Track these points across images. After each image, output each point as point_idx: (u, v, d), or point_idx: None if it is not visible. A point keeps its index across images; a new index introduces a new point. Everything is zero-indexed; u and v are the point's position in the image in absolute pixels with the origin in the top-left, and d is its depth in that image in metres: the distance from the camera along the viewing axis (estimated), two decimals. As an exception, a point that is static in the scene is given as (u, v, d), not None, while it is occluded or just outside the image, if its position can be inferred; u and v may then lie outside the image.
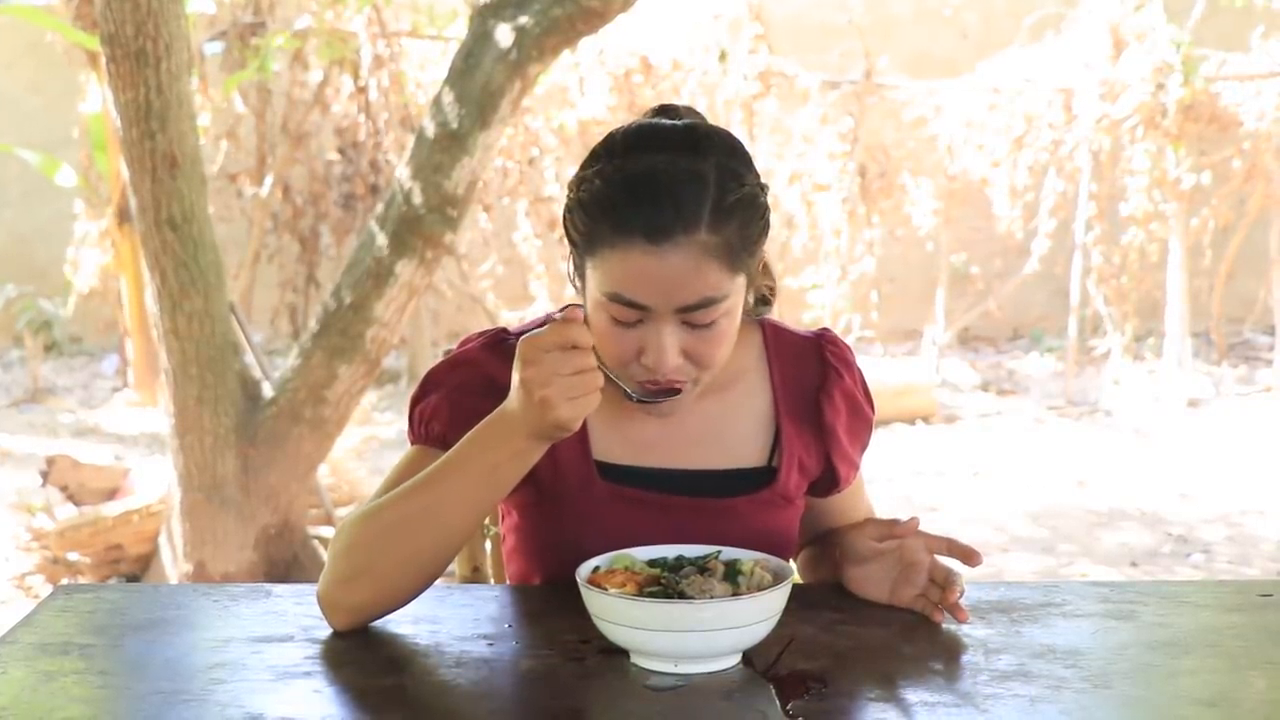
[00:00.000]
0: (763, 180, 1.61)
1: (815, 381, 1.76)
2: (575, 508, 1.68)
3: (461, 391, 1.67)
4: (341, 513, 5.16)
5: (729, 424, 1.72)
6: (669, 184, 1.51)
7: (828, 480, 1.78)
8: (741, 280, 1.58)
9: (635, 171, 1.53)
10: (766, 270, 1.76)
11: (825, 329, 1.83)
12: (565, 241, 1.63)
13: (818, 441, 1.75)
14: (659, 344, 1.55)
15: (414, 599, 1.57)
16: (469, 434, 1.53)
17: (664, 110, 1.69)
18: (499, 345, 1.70)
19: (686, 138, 1.56)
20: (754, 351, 1.76)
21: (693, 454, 1.70)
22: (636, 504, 1.67)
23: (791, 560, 1.77)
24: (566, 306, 1.49)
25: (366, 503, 1.60)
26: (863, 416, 1.80)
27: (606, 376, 1.51)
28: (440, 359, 1.76)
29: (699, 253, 1.51)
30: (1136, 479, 6.61)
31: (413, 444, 1.69)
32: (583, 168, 1.60)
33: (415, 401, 1.71)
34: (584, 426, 1.66)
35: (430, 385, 1.71)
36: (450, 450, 1.54)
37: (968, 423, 8.06)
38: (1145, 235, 8.54)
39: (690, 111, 1.69)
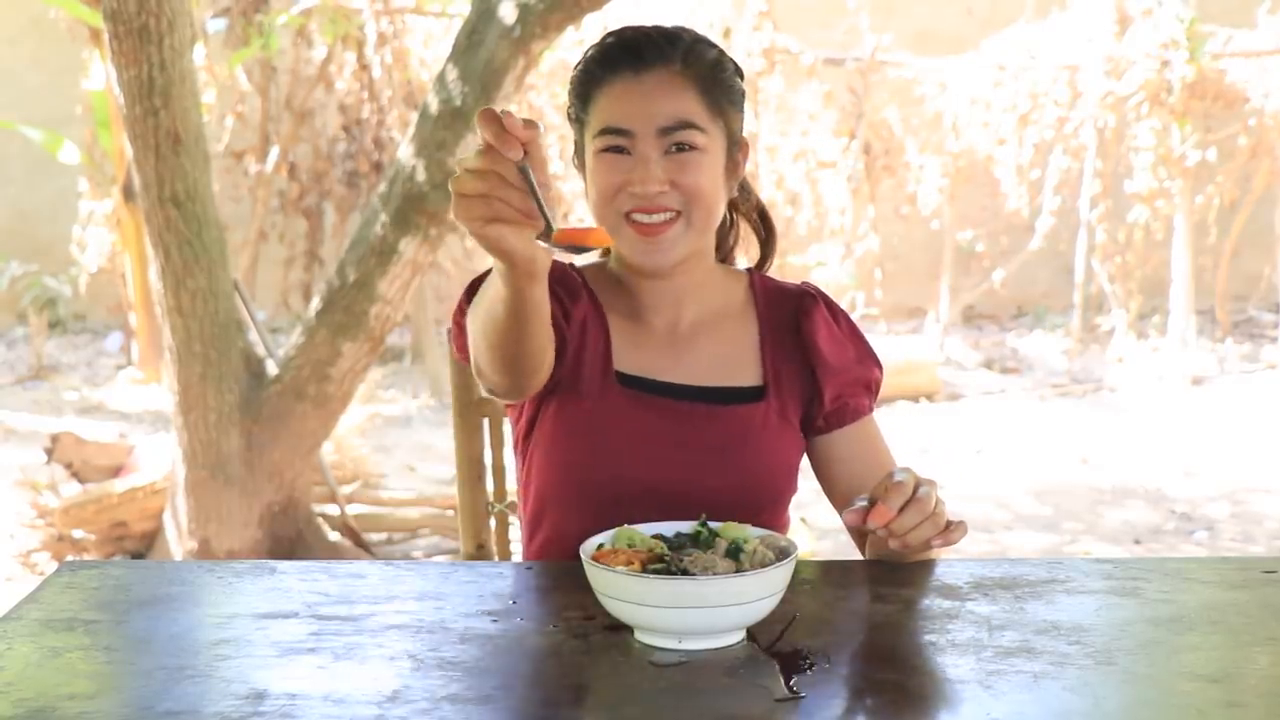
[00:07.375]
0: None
1: (795, 314, 1.87)
2: (596, 405, 1.79)
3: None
4: (346, 490, 5.17)
5: (725, 350, 1.85)
6: (649, 32, 1.78)
7: (823, 407, 1.84)
8: (719, 131, 1.75)
9: (619, 31, 1.79)
10: (758, 208, 1.94)
11: (806, 282, 1.94)
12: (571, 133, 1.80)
13: (802, 368, 1.84)
14: (644, 161, 1.71)
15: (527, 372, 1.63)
16: None
17: None
18: (569, 266, 1.85)
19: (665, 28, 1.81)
20: (742, 294, 1.90)
21: (697, 372, 1.82)
22: (650, 407, 1.79)
23: (798, 520, 1.76)
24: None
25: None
26: (851, 351, 1.87)
27: (538, 204, 1.39)
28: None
29: (674, 78, 1.74)
30: (1140, 456, 6.61)
31: None
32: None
33: None
34: (608, 342, 1.83)
35: None
36: None
37: (971, 400, 8.06)
38: (1150, 212, 8.53)
39: None
